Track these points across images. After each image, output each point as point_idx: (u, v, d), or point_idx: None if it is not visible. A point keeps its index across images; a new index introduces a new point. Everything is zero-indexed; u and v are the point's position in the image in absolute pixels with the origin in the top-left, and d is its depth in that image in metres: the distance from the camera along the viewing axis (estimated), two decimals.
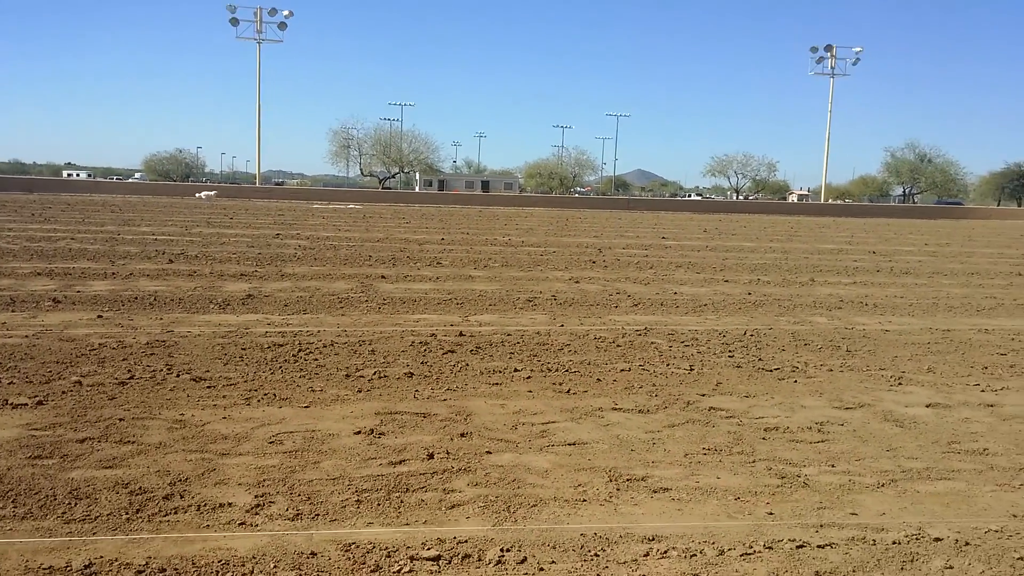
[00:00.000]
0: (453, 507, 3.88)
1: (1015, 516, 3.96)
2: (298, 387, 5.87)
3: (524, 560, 3.37)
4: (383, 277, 12.41)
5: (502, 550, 3.44)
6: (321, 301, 9.86)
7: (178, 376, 6.05)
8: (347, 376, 6.21)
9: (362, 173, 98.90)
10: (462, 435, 4.96)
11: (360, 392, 5.80)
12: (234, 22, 62.46)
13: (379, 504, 3.86)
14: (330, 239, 19.47)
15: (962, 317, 10.39)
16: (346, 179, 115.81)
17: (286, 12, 63.37)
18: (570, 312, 9.78)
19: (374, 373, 6.30)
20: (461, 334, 8.04)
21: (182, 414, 5.16)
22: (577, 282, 12.78)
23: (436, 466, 4.41)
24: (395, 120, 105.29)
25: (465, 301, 10.32)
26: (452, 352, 7.23)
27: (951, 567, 3.41)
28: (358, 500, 3.89)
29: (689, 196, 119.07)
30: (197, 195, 47.57)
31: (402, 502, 3.90)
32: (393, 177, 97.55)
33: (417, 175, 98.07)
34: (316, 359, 6.74)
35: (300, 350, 7.03)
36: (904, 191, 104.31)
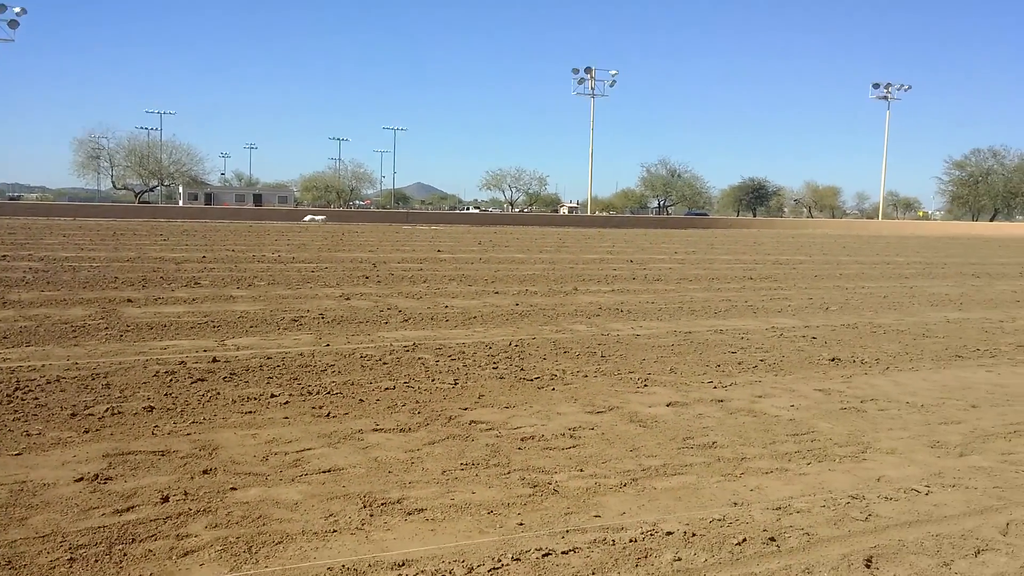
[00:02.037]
0: (186, 555, 3.58)
1: (736, 504, 4.34)
2: (9, 432, 5.18)
3: None
4: (129, 301, 11.41)
5: None
6: (50, 331, 8.85)
7: None
8: (73, 415, 5.58)
9: (115, 186, 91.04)
10: (204, 472, 4.62)
11: (87, 432, 5.23)
12: None
13: (97, 561, 3.47)
14: (69, 260, 17.66)
15: (702, 319, 11.39)
16: (97, 192, 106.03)
17: (17, 9, 57.04)
18: (338, 330, 9.54)
19: (106, 410, 5.72)
20: (214, 360, 7.55)
21: None
22: (348, 299, 12.52)
23: (170, 510, 4.06)
24: (154, 129, 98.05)
25: (223, 324, 9.73)
26: (202, 380, 6.76)
27: (679, 559, 3.65)
28: (71, 559, 3.47)
29: (468, 209, 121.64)
30: None
31: (125, 555, 3.53)
32: (152, 190, 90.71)
33: (180, 188, 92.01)
34: (36, 398, 6.00)
35: (17, 388, 6.23)
36: (659, 203, 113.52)
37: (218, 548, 3.64)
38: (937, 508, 4.38)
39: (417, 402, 6.27)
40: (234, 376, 6.96)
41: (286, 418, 5.75)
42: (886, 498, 4.51)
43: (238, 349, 8.20)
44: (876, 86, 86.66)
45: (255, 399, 6.23)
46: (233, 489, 4.37)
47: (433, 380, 7.02)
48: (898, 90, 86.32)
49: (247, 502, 4.19)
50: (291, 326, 9.75)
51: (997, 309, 13.62)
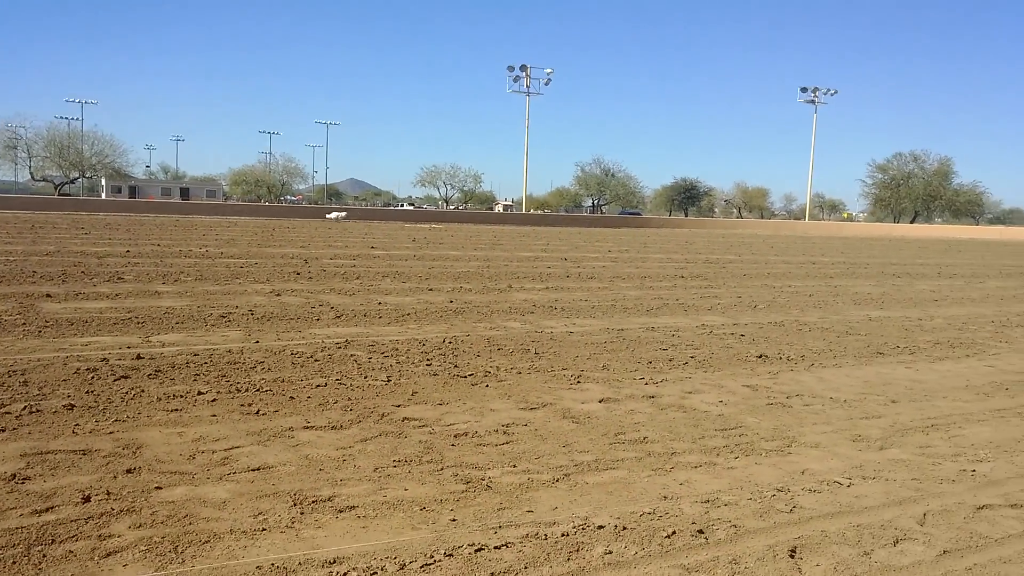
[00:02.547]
0: (108, 555, 3.46)
1: (665, 498, 4.42)
2: None
3: None
4: (48, 296, 10.98)
5: None
6: None
7: None
8: None
9: (34, 178, 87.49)
10: (128, 471, 4.48)
11: (4, 432, 5.01)
12: None
13: (15, 562, 3.33)
14: None
15: (634, 317, 11.55)
16: (15, 184, 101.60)
17: None
18: (268, 327, 9.35)
19: (24, 408, 5.49)
20: (139, 357, 7.32)
21: None
22: (278, 295, 12.28)
23: (92, 510, 3.92)
24: (74, 119, 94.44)
25: (148, 320, 9.44)
26: (126, 378, 6.54)
27: (610, 552, 3.70)
28: None
29: (402, 206, 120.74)
30: None
31: (44, 556, 3.40)
32: (72, 183, 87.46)
33: (103, 181, 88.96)
34: None
35: None
36: (593, 202, 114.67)
37: (142, 548, 3.53)
38: (858, 500, 4.53)
39: (349, 399, 6.20)
40: (159, 373, 6.76)
41: (214, 416, 5.62)
42: (810, 490, 4.65)
43: (163, 346, 7.97)
44: (804, 90, 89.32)
45: (181, 397, 6.06)
46: (158, 488, 4.25)
47: (366, 377, 6.95)
48: (825, 94, 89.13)
49: (173, 501, 4.08)
50: (219, 322, 9.52)
51: (916, 308, 14.18)
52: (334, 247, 24.27)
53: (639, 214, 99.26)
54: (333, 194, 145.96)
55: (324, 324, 9.73)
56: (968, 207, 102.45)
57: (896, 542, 3.96)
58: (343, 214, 50.84)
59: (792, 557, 3.73)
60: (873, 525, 4.16)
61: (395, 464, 4.77)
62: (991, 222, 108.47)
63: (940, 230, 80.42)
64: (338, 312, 10.70)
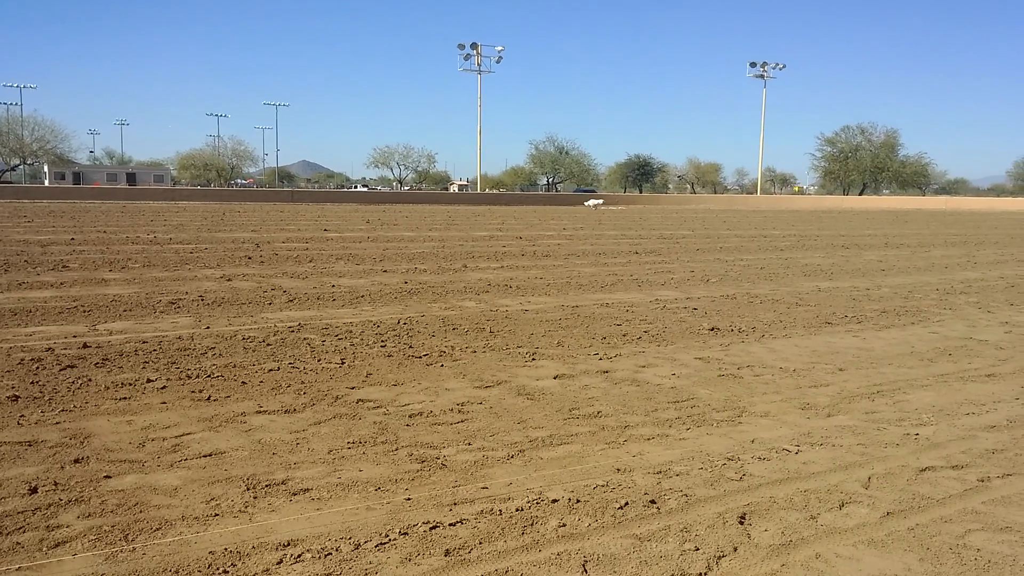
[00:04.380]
0: (57, 546, 3.40)
1: (618, 470, 4.47)
2: None
3: None
4: None
5: None
6: None
7: None
8: None
9: None
10: (76, 461, 4.39)
11: None
12: None
13: None
14: None
15: (589, 293, 11.63)
16: None
17: None
18: (218, 313, 9.21)
19: None
20: (85, 346, 7.16)
21: None
22: (229, 280, 12.10)
23: (39, 501, 3.84)
24: (13, 104, 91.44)
25: (94, 308, 9.23)
26: (72, 367, 6.40)
27: (564, 524, 3.74)
28: None
29: (355, 187, 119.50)
30: None
31: None
32: (13, 170, 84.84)
33: (46, 167, 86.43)
34: None
35: None
36: (548, 180, 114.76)
37: (92, 538, 3.47)
38: (806, 466, 4.64)
39: (302, 383, 6.15)
40: (107, 362, 6.63)
41: (164, 403, 5.53)
42: (759, 458, 4.75)
43: (111, 334, 7.80)
44: (753, 64, 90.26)
45: (130, 385, 5.95)
46: (107, 477, 4.18)
47: (319, 360, 6.89)
48: (774, 68, 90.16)
49: (122, 490, 4.02)
50: (168, 309, 9.35)
51: (864, 278, 14.51)
52: (286, 231, 23.96)
53: (594, 191, 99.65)
54: (285, 177, 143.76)
55: (276, 308, 9.62)
56: (914, 178, 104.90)
57: (842, 505, 4.07)
58: (600, 201, 50.60)
59: (741, 523, 3.82)
60: (820, 490, 4.27)
61: (349, 446, 4.75)
62: (937, 192, 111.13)
63: (888, 201, 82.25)
64: (291, 296, 10.58)
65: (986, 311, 10.70)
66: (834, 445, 5.02)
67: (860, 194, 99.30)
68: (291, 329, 8.25)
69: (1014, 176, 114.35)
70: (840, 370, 7.09)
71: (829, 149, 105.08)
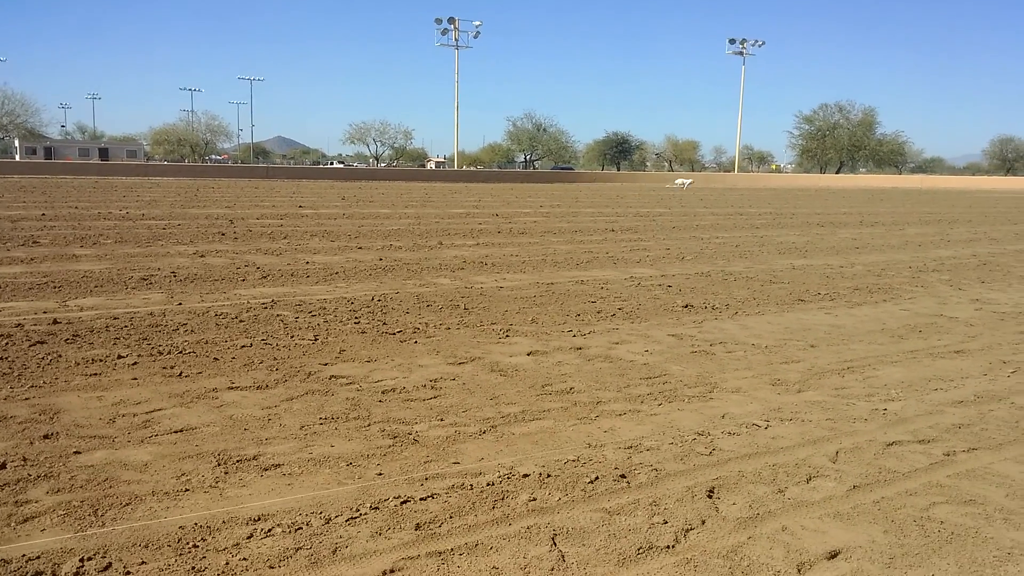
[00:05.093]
0: (26, 520, 3.38)
1: (590, 445, 4.50)
2: None
3: (108, 566, 3.04)
4: None
5: (82, 560, 3.07)
6: None
7: None
8: None
9: None
10: (45, 437, 4.35)
11: None
12: None
13: None
14: None
15: (564, 271, 11.64)
16: None
17: None
18: (191, 289, 9.12)
19: None
20: (55, 322, 7.07)
21: None
22: (202, 256, 11.97)
23: (8, 476, 3.81)
24: None
25: (65, 284, 9.11)
26: (42, 343, 6.32)
27: (534, 499, 3.76)
28: None
29: (332, 164, 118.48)
30: None
31: None
32: None
33: (16, 142, 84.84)
34: None
35: None
36: (526, 157, 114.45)
37: (60, 513, 3.45)
38: (775, 440, 4.70)
39: (275, 359, 6.12)
40: (77, 338, 6.55)
41: (135, 379, 5.48)
42: (729, 433, 4.80)
43: (82, 310, 7.71)
44: (732, 42, 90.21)
45: (100, 361, 5.89)
46: (77, 453, 4.14)
47: (292, 336, 6.86)
48: (753, 45, 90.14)
49: (92, 465, 3.98)
50: (140, 285, 9.24)
51: (838, 256, 14.65)
52: (261, 207, 23.73)
53: (571, 169, 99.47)
54: (260, 153, 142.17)
55: (250, 285, 9.54)
56: (891, 157, 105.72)
57: (809, 479, 4.13)
58: (690, 181, 50.43)
59: (710, 497, 3.86)
60: (788, 464, 4.32)
61: (321, 422, 4.74)
62: (913, 171, 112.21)
63: (864, 179, 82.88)
64: (264, 272, 10.50)
65: (957, 289, 10.85)
66: (803, 420, 5.08)
67: (837, 172, 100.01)
68: (264, 305, 8.20)
69: (989, 155, 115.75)
70: (811, 347, 7.17)
71: (807, 127, 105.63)
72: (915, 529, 3.57)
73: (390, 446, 4.38)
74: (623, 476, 4.07)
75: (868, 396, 5.63)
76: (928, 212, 31.20)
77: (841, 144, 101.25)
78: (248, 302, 8.36)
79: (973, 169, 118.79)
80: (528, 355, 6.52)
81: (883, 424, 5.03)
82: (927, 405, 5.45)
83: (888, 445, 4.65)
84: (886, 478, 4.16)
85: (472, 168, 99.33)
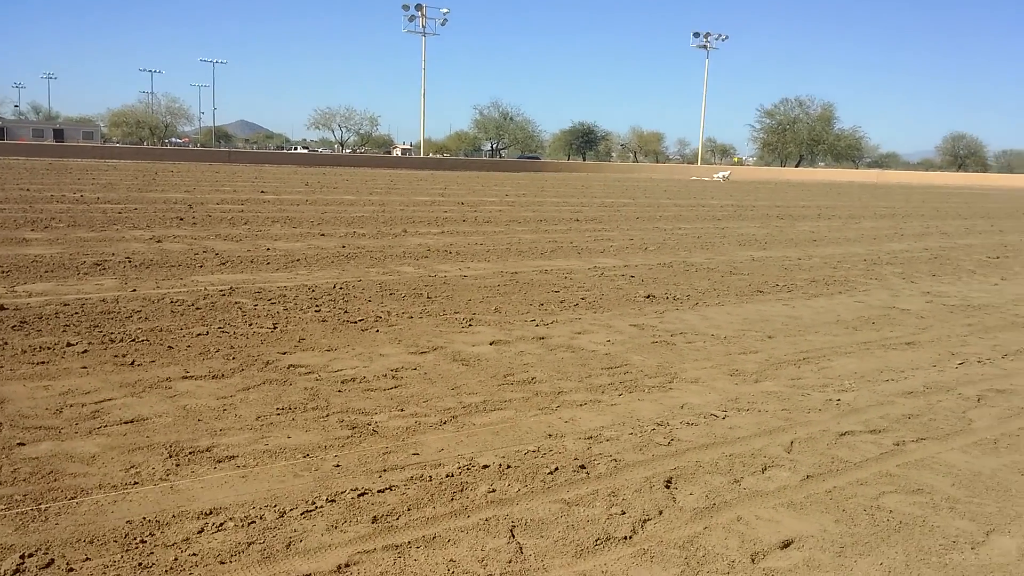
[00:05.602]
0: None
1: (550, 436, 4.50)
2: None
3: (51, 563, 2.96)
4: None
5: (23, 556, 2.98)
6: None
7: None
8: None
9: None
10: None
11: None
12: None
13: None
14: None
15: (529, 260, 11.63)
16: None
17: None
18: (146, 275, 8.93)
19: None
20: (2, 308, 6.88)
21: None
22: (159, 241, 11.74)
23: None
24: None
25: (13, 269, 8.86)
26: None
27: (494, 490, 3.75)
28: None
29: (295, 149, 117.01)
30: None
31: None
32: None
33: None
34: None
35: None
36: (492, 146, 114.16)
37: (1, 508, 3.34)
38: (732, 431, 4.74)
39: (232, 347, 6.02)
40: (24, 324, 6.37)
41: (84, 368, 5.34)
42: (687, 424, 4.83)
43: (30, 296, 7.50)
44: (696, 35, 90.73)
45: (48, 348, 5.74)
46: (21, 444, 4.02)
47: (250, 325, 6.75)
48: (717, 39, 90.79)
49: (37, 457, 3.88)
50: (93, 271, 9.03)
51: (796, 248, 14.84)
52: (222, 192, 23.34)
53: (538, 158, 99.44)
54: (222, 136, 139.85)
55: (208, 271, 9.37)
56: (848, 151, 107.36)
57: (764, 469, 4.17)
58: (727, 173, 50.85)
59: (667, 487, 3.88)
60: (744, 454, 4.36)
61: (278, 412, 4.67)
62: (870, 166, 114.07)
63: (822, 173, 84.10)
64: (223, 259, 10.32)
65: (909, 281, 11.06)
66: (760, 410, 5.14)
67: (796, 166, 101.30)
68: (222, 293, 8.06)
69: (943, 151, 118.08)
70: (769, 337, 7.25)
71: (768, 121, 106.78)
72: (865, 518, 3.62)
73: (348, 437, 4.34)
74: (583, 467, 4.07)
75: (823, 387, 5.71)
76: (883, 206, 31.77)
77: (801, 138, 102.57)
78: (205, 289, 8.21)
79: (927, 165, 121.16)
80: (491, 345, 6.50)
81: (836, 414, 5.11)
82: (878, 396, 5.55)
83: (841, 435, 4.72)
84: (838, 468, 4.22)
85: (438, 156, 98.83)
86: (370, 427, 4.50)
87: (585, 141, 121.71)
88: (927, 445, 4.61)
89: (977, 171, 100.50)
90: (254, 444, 4.18)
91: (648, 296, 9.01)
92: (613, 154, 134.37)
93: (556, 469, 4.02)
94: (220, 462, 3.93)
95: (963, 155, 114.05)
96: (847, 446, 4.55)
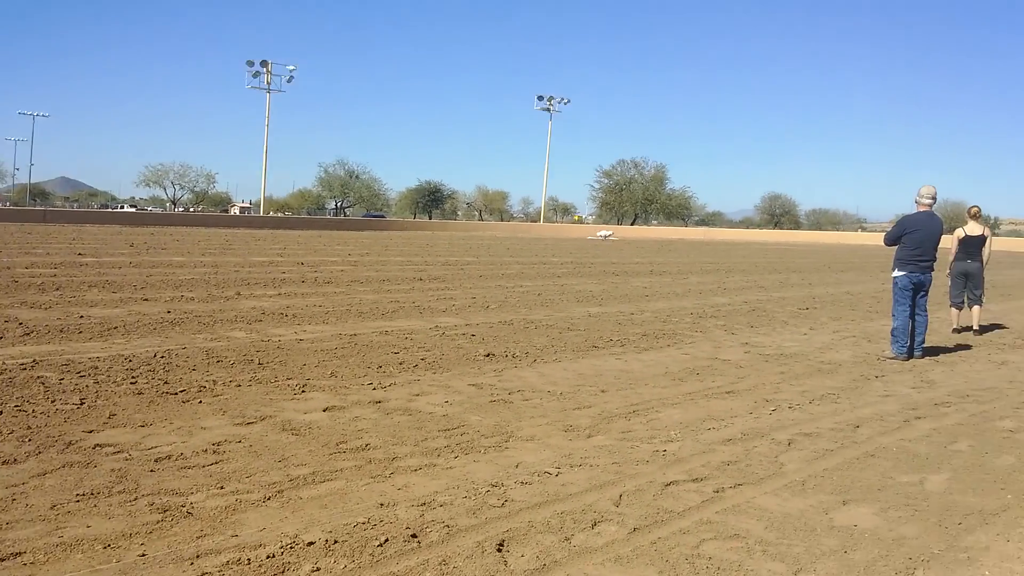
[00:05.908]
0: None
1: (382, 505, 4.36)
2: None
3: None
4: None
5: None
6: None
7: None
8: None
9: None
10: None
11: None
12: None
13: None
14: None
15: (369, 321, 11.44)
16: None
17: None
18: None
19: None
20: None
21: None
22: None
23: None
24: None
25: None
26: None
27: (318, 568, 3.56)
28: None
29: (122, 207, 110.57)
30: None
31: None
32: None
33: None
34: None
35: None
36: (337, 204, 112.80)
37: None
38: (564, 487, 4.78)
39: (29, 427, 5.47)
40: None
41: None
42: (522, 483, 4.83)
43: None
44: (540, 98, 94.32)
45: None
46: None
47: (53, 401, 6.18)
48: (559, 103, 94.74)
49: None
50: None
51: (630, 303, 15.47)
52: (32, 255, 21.58)
53: (383, 216, 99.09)
54: (39, 194, 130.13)
55: (8, 343, 8.55)
56: (679, 210, 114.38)
57: (594, 524, 4.22)
58: (610, 233, 49.96)
59: (499, 551, 3.84)
60: (575, 510, 4.40)
61: (78, 498, 4.26)
62: (697, 224, 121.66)
63: (655, 231, 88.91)
64: (28, 328, 9.46)
65: (730, 333, 11.76)
66: (592, 465, 5.22)
67: (632, 223, 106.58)
68: (23, 366, 7.36)
69: (761, 210, 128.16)
70: (602, 392, 7.44)
71: (606, 181, 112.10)
72: (686, 567, 3.73)
73: (158, 522, 4.01)
74: (414, 536, 3.96)
75: (651, 438, 5.90)
76: (709, 262, 33.89)
77: (636, 197, 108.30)
78: (4, 363, 7.47)
79: (747, 223, 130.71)
80: (324, 411, 6.28)
81: (662, 465, 5.28)
82: (701, 444, 5.79)
83: (666, 485, 4.87)
84: (663, 518, 4.33)
85: (280, 214, 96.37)
86: (184, 509, 4.19)
87: (432, 199, 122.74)
88: (743, 490, 4.84)
89: (791, 228, 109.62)
90: (46, 537, 3.77)
91: (488, 355, 9.06)
92: (459, 212, 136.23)
93: (386, 540, 3.89)
94: (3, 560, 3.51)
95: (779, 213, 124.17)
96: (672, 496, 4.69)
